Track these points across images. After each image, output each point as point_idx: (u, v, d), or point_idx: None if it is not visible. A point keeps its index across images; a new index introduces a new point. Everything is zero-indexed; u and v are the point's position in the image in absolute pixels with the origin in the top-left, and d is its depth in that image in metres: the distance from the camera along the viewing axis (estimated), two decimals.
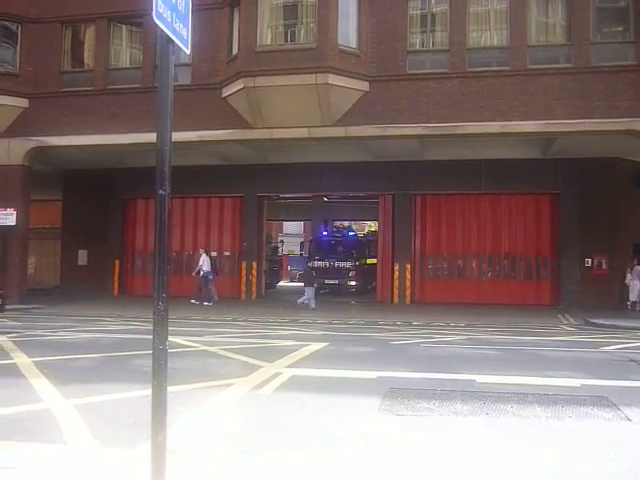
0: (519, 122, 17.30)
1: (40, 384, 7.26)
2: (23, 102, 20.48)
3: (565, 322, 17.46)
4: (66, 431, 5.31)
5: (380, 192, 24.54)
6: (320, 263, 27.04)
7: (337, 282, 26.72)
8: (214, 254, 23.48)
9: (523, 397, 6.66)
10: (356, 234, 31.41)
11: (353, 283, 26.92)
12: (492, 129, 17.62)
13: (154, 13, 3.52)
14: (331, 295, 26.44)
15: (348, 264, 26.83)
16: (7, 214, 20.09)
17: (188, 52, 4.00)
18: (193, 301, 21.30)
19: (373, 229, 39.35)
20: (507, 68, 17.60)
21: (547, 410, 6.14)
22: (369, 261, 29.69)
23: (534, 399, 6.58)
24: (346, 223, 37.84)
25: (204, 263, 21.81)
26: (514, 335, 13.72)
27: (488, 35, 18.49)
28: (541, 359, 10.00)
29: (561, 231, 22.51)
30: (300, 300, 20.54)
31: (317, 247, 28.37)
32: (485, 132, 17.84)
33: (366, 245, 30.39)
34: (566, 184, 21.98)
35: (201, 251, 22.73)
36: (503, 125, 17.42)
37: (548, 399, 6.58)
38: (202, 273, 21.71)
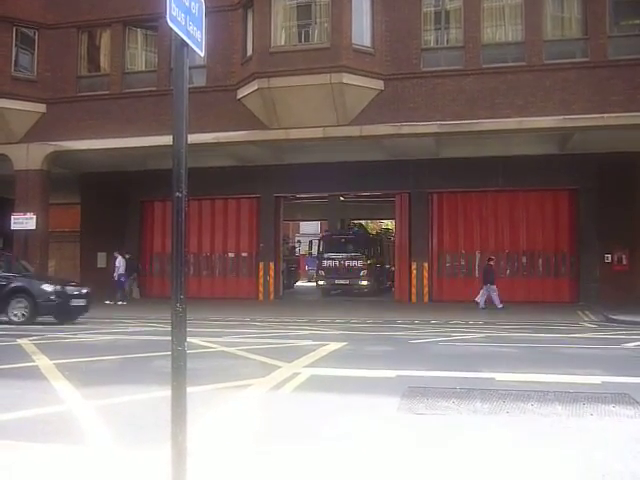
0: (536, 118, 17.17)
1: (62, 386, 7.33)
2: (41, 107, 20.70)
3: (585, 319, 17.33)
4: (87, 432, 5.36)
5: (396, 190, 24.49)
6: (330, 262, 26.30)
7: (347, 282, 25.97)
8: (128, 255, 23.78)
9: (543, 395, 6.60)
10: (367, 232, 30.35)
11: (364, 283, 25.94)
12: (508, 125, 17.51)
13: (168, 16, 3.54)
14: (343, 295, 26.24)
15: (359, 263, 25.96)
16: (27, 218, 20.32)
17: (202, 54, 4.02)
18: (108, 302, 22.34)
19: (389, 227, 39.14)
20: (523, 64, 17.48)
21: (568, 408, 6.08)
22: (381, 259, 29.12)
23: (554, 397, 6.52)
24: (361, 222, 37.64)
25: (120, 265, 22.90)
26: (533, 332, 13.62)
27: (503, 31, 18.38)
28: (561, 356, 9.92)
29: (580, 227, 22.33)
30: (479, 300, 20.17)
31: (327, 246, 27.44)
32: (501, 129, 17.74)
33: (378, 243, 29.61)
34: (584, 179, 21.79)
35: (115, 254, 23.40)
36: (519, 121, 17.30)
37: (569, 397, 6.52)
38: (116, 274, 22.98)
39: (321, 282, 26.82)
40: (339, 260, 26.01)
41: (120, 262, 23.05)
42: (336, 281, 26.06)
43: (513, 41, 18.09)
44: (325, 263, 26.35)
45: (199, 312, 17.10)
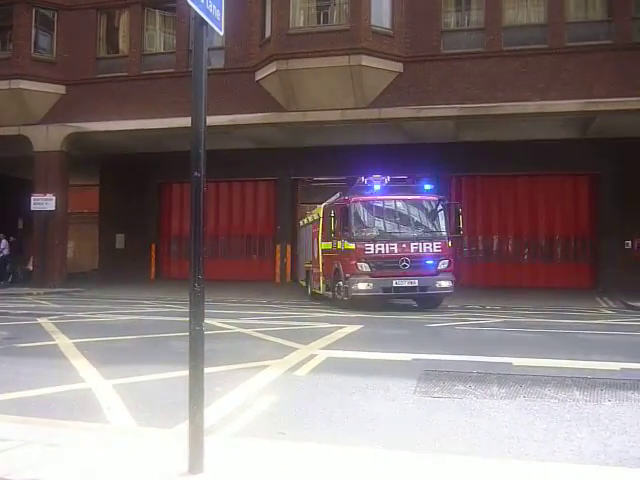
0: (557, 101, 16.93)
1: (81, 365, 7.41)
2: (60, 89, 20.78)
3: (604, 305, 17.18)
4: (106, 411, 5.42)
5: (414, 174, 24.33)
6: (376, 248, 14.33)
7: (416, 284, 14.43)
8: (12, 238, 24.76)
9: (561, 380, 6.56)
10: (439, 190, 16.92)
11: (446, 284, 14.71)
12: (529, 109, 17.29)
13: None
14: (402, 310, 14.99)
15: (435, 246, 14.68)
16: (47, 199, 20.52)
17: (221, 34, 3.99)
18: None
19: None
20: (545, 46, 17.21)
21: (585, 394, 6.04)
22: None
23: (572, 383, 6.48)
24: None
25: (5, 247, 23.76)
26: (551, 318, 13.54)
27: (525, 12, 18.11)
28: (579, 342, 9.85)
29: (600, 213, 22.07)
30: None
31: (364, 216, 14.97)
32: (522, 112, 17.50)
33: (454, 209, 16.12)
34: (606, 164, 21.50)
35: (1, 236, 23.98)
36: (541, 105, 17.07)
37: (586, 383, 6.47)
38: (1, 255, 23.68)
39: (362, 286, 14.29)
40: (397, 242, 14.47)
41: (5, 244, 23.83)
42: (395, 282, 14.35)
43: (535, 23, 17.82)
44: (370, 249, 14.30)
45: (216, 294, 17.15)
